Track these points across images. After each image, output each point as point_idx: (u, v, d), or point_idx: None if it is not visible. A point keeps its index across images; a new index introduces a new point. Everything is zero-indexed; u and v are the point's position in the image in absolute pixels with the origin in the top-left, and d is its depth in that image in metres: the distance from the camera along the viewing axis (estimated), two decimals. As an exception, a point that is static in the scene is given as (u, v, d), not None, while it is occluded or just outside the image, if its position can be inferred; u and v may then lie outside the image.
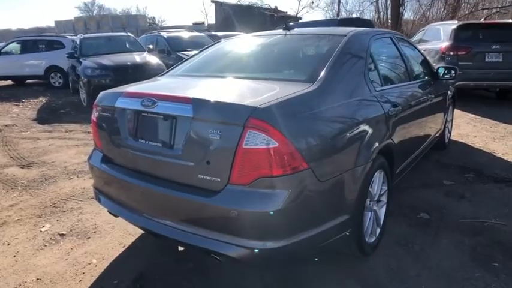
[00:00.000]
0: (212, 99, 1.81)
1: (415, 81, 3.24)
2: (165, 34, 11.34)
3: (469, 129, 5.76)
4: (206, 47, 3.12)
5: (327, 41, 2.54)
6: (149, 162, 2.05)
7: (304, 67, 2.35)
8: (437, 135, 4.04)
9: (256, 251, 1.72)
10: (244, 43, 3.03)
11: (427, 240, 2.63)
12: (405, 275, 2.26)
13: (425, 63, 3.82)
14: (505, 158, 4.42)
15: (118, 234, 2.80)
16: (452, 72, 3.78)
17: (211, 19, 29.56)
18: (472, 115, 6.61)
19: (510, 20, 8.91)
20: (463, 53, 7.14)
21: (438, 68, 3.86)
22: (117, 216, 2.39)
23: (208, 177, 1.80)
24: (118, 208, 2.25)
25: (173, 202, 1.91)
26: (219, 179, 1.77)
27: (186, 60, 2.98)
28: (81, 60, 8.38)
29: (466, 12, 27.18)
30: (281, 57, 2.65)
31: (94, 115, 2.39)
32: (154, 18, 42.68)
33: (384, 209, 2.59)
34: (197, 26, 24.26)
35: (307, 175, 1.75)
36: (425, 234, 2.72)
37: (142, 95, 2.05)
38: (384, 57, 2.97)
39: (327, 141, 1.88)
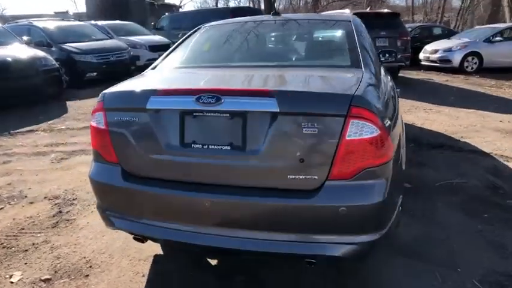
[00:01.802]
0: (300, 89, 1.63)
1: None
2: (40, 24, 9.58)
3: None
4: (189, 34, 2.76)
5: (337, 26, 2.54)
6: (211, 170, 1.73)
7: (338, 53, 2.30)
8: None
9: (361, 245, 1.66)
10: (246, 29, 2.76)
11: (422, 207, 2.92)
12: (432, 238, 2.49)
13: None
14: (425, 127, 5.22)
15: (125, 263, 2.32)
16: (393, 54, 4.22)
17: (81, 7, 26.15)
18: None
19: (389, 10, 10.37)
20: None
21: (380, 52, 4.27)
22: (146, 241, 1.98)
23: (301, 177, 1.63)
24: (154, 229, 1.85)
25: (258, 210, 1.67)
26: (315, 177, 1.62)
27: (173, 50, 2.58)
28: None
29: (325, 3, 30.66)
30: (304, 43, 2.54)
31: (100, 121, 1.89)
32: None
33: None
34: (61, 15, 21.20)
35: (396, 160, 1.75)
36: (416, 201, 3.03)
37: (196, 91, 1.70)
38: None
39: (394, 124, 1.90)
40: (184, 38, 2.72)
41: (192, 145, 1.74)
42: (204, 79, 2.01)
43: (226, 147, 1.69)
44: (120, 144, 1.87)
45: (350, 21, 2.56)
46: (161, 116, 1.77)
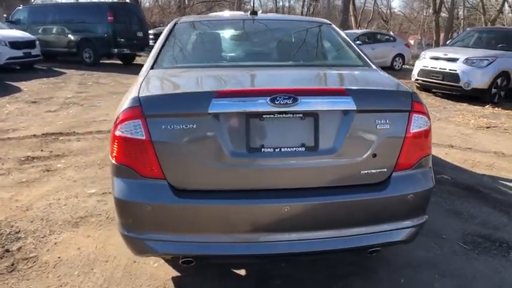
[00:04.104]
0: (371, 87, 1.70)
1: None
2: None
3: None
4: (170, 29, 2.47)
5: (324, 28, 2.67)
6: (286, 174, 1.65)
7: (344, 53, 2.41)
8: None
9: (417, 227, 1.84)
10: (241, 27, 2.62)
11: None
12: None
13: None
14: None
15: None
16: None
17: None
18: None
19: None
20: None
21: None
22: (192, 263, 1.75)
23: (373, 171, 1.71)
24: (217, 247, 1.67)
25: (336, 209, 1.67)
26: (385, 169, 1.73)
27: (162, 47, 2.28)
28: None
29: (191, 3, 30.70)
30: (303, 43, 2.55)
31: (136, 131, 1.58)
32: None
33: None
34: None
35: None
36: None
37: (271, 91, 1.58)
38: None
39: None
40: (167, 33, 2.42)
41: (262, 149, 1.62)
42: (249, 78, 1.88)
43: (300, 148, 1.64)
44: (168, 156, 1.60)
45: (331, 24, 2.73)
46: (223, 120, 1.60)
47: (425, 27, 26.18)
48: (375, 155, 1.69)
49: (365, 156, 1.68)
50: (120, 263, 2.23)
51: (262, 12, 3.14)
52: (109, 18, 10.86)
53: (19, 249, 2.36)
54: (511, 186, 3.50)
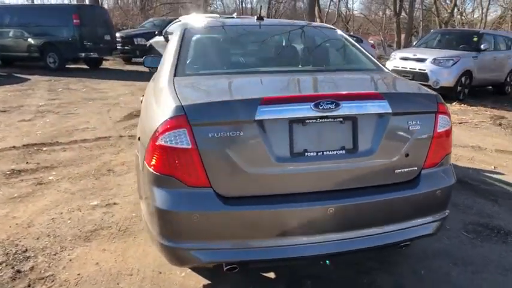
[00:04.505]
0: (402, 91, 1.79)
1: None
2: None
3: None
4: (182, 36, 2.43)
5: (331, 32, 2.75)
6: (329, 176, 1.70)
7: (355, 57, 2.50)
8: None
9: (442, 220, 1.96)
10: (250, 33, 2.63)
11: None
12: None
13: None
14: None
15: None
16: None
17: None
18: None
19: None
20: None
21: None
22: (236, 269, 1.75)
23: (405, 170, 1.81)
24: (262, 252, 1.69)
25: (376, 208, 1.75)
26: (415, 168, 1.83)
27: (179, 54, 2.25)
28: None
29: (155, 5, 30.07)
30: (319, 48, 2.61)
31: (181, 140, 1.57)
32: None
33: None
34: None
35: None
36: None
37: (314, 97, 1.63)
38: None
39: None
40: (179, 39, 2.39)
41: (306, 154, 1.67)
42: (286, 84, 1.91)
43: (340, 151, 1.71)
44: (214, 164, 1.60)
45: (336, 29, 2.82)
46: (268, 126, 1.62)
47: (384, 28, 27.39)
48: (407, 155, 1.79)
49: (399, 156, 1.78)
50: (145, 275, 2.18)
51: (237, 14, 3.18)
52: (75, 21, 10.41)
53: (32, 268, 2.24)
54: (494, 178, 3.78)
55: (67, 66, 11.51)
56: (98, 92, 8.07)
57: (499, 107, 7.75)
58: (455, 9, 24.13)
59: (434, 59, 7.91)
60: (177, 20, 11.09)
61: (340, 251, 1.74)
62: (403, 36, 18.95)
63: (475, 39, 8.53)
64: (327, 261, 1.71)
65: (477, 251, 2.49)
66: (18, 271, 2.21)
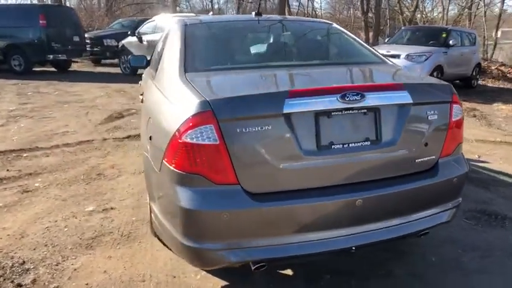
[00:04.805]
0: (420, 81, 1.81)
1: None
2: None
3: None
4: (183, 31, 2.34)
5: (332, 27, 2.76)
6: (355, 168, 1.70)
7: (358, 51, 2.51)
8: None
9: (456, 207, 2.01)
10: (254, 28, 2.58)
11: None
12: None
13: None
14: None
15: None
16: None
17: None
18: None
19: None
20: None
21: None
22: (264, 267, 1.71)
23: (425, 159, 1.83)
24: (290, 248, 1.65)
25: (401, 198, 1.76)
26: (433, 157, 1.86)
27: (182, 49, 2.17)
28: None
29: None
30: (325, 42, 2.60)
31: (207, 136, 1.51)
32: None
33: None
34: None
35: None
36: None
37: (340, 89, 1.61)
38: None
39: None
40: (181, 36, 2.30)
41: (332, 146, 1.65)
42: (307, 77, 1.89)
43: (365, 142, 1.70)
44: (242, 160, 1.56)
45: (333, 24, 2.84)
46: (294, 120, 1.59)
47: (352, 27, 28.11)
48: (426, 144, 1.82)
49: (419, 145, 1.80)
50: (159, 280, 2.09)
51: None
52: (41, 22, 9.88)
53: (34, 281, 2.09)
54: (481, 166, 3.95)
55: (34, 69, 10.94)
56: (71, 95, 7.72)
57: (470, 99, 8.12)
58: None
59: (408, 55, 8.18)
60: (150, 21, 10.91)
61: (366, 242, 1.74)
62: (370, 34, 19.51)
63: (444, 35, 8.90)
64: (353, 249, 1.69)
65: (481, 236, 2.57)
66: (19, 285, 2.06)
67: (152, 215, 2.09)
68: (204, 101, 1.54)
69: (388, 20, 20.20)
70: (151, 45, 9.89)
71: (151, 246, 2.41)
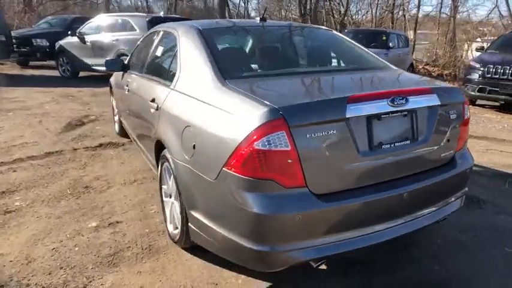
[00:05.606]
0: (441, 86, 2.04)
1: None
2: None
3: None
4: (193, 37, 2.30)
5: (335, 34, 2.92)
6: (400, 165, 1.87)
7: (367, 57, 2.70)
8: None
9: (465, 195, 2.30)
10: (271, 34, 2.61)
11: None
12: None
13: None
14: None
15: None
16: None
17: None
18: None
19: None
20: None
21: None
22: (322, 263, 1.81)
23: (447, 153, 2.09)
24: (350, 243, 1.77)
25: (435, 188, 1.97)
26: (452, 151, 2.12)
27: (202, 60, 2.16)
28: None
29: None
30: (335, 49, 2.72)
31: (280, 142, 1.56)
32: None
33: None
34: None
35: None
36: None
37: (389, 94, 1.76)
38: None
39: None
40: (201, 42, 2.27)
41: (383, 146, 1.81)
42: (354, 83, 2.04)
43: (406, 141, 1.89)
44: (310, 164, 1.64)
45: (333, 31, 3.02)
46: (353, 124, 1.72)
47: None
48: (448, 140, 2.07)
49: (444, 141, 2.04)
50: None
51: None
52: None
53: (65, 308, 1.93)
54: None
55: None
56: (12, 101, 6.96)
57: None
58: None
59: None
60: (90, 21, 10.18)
61: (411, 230, 1.93)
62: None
63: (384, 38, 9.73)
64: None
65: (470, 218, 2.93)
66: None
67: (191, 225, 2.07)
68: (275, 108, 1.59)
69: (325, 23, 21.34)
70: (96, 46, 9.32)
71: (178, 256, 2.36)
